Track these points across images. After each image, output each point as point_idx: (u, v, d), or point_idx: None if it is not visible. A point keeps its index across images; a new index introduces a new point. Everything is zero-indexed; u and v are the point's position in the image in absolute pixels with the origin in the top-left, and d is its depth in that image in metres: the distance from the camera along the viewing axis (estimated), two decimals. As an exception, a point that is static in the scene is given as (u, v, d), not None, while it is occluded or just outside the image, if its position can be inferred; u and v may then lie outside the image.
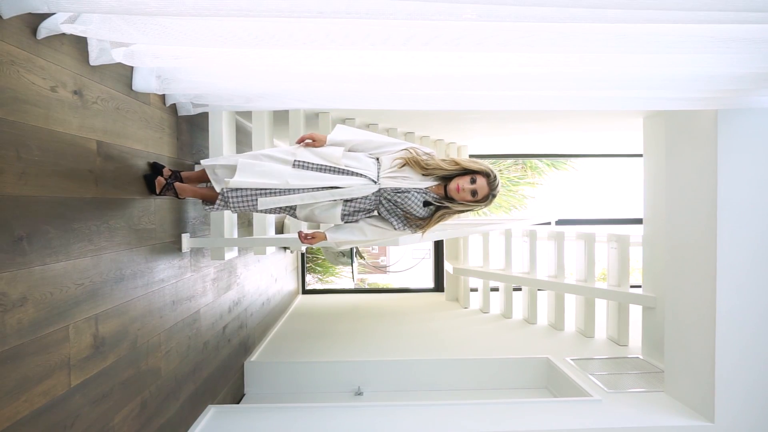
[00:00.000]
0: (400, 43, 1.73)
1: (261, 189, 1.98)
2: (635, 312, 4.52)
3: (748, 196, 2.82)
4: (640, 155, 4.32)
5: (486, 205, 2.01)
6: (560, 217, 6.26)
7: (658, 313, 3.94)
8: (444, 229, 3.24)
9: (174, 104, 2.58)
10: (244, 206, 2.01)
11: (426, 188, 1.99)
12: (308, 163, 2.00)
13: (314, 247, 2.14)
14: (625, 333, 4.37)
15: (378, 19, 1.47)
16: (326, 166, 2.00)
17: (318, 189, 1.97)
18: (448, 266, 6.15)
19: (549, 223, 5.88)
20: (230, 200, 2.01)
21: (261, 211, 2.08)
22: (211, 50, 1.97)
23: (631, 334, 4.39)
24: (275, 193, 1.98)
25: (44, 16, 1.60)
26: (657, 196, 3.96)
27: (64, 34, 1.66)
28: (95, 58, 1.88)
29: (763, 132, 2.81)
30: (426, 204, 1.99)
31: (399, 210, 1.99)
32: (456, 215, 2.06)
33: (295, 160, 2.01)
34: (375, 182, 1.99)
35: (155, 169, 2.37)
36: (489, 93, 2.43)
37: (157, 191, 2.31)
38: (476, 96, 2.47)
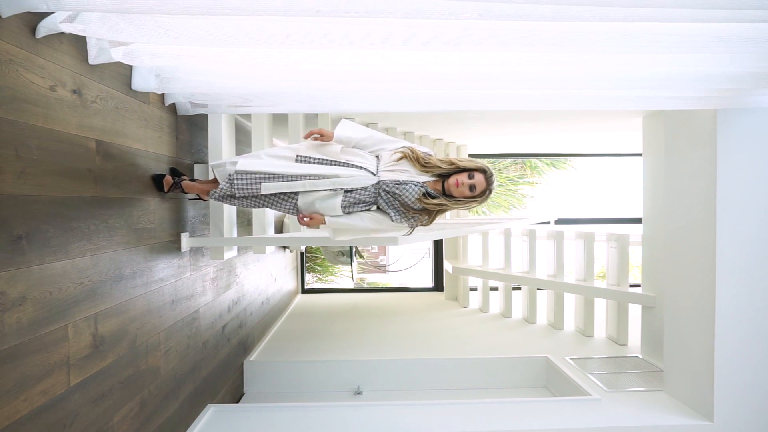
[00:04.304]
0: (399, 43, 1.73)
1: (266, 173, 2.09)
2: (634, 311, 4.53)
3: (748, 196, 2.82)
4: (640, 155, 4.32)
5: (482, 201, 2.10)
6: (560, 216, 6.27)
7: (657, 313, 3.94)
8: (443, 228, 3.24)
9: (173, 104, 2.58)
10: (247, 189, 2.10)
11: (423, 182, 2.07)
12: (310, 157, 2.12)
13: (311, 227, 2.23)
14: (625, 332, 4.38)
15: (377, 18, 1.47)
16: (327, 160, 2.11)
17: (319, 177, 2.07)
18: (447, 265, 6.15)
19: (548, 223, 5.89)
20: (235, 182, 2.10)
21: (261, 204, 2.19)
22: (210, 50, 1.96)
23: (630, 334, 4.40)
24: (279, 179, 2.08)
25: (43, 15, 1.59)
26: (656, 195, 3.96)
27: (63, 33, 1.66)
28: (94, 57, 1.88)
29: (762, 131, 2.81)
30: (426, 196, 2.07)
31: (397, 202, 2.08)
32: (453, 210, 2.17)
33: (297, 155, 2.13)
34: (374, 174, 2.09)
35: (173, 174, 2.53)
36: (489, 93, 2.43)
37: (165, 189, 2.43)
38: (476, 96, 2.47)
